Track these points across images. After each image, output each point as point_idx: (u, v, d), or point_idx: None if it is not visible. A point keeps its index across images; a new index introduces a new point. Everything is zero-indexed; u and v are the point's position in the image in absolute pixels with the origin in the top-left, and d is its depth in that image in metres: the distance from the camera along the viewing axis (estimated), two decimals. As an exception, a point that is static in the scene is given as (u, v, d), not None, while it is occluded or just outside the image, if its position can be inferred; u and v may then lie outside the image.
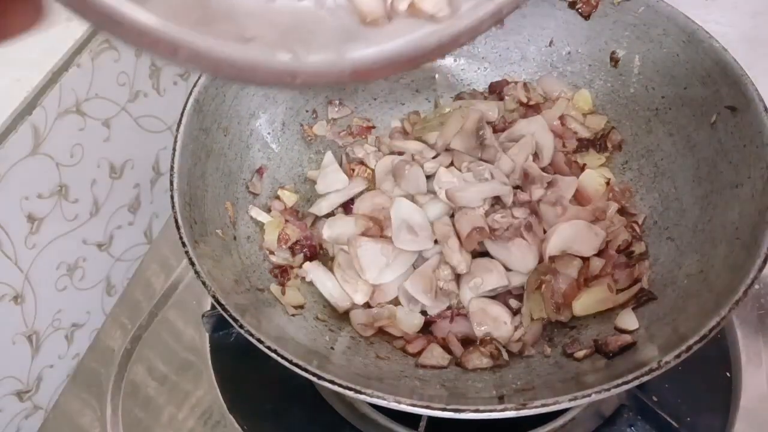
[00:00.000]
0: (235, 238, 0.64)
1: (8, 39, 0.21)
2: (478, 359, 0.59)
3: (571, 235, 0.63)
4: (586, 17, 0.73)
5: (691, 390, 0.66)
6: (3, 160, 0.60)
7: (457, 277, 0.63)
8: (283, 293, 0.62)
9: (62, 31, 0.66)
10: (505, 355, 0.59)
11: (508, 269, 0.63)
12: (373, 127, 0.79)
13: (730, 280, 0.51)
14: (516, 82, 0.78)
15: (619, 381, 0.46)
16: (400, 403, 0.46)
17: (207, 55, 0.21)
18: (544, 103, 0.76)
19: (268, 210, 0.69)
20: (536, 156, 0.70)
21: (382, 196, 0.69)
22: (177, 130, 0.60)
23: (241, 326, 0.50)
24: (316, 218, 0.71)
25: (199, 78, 0.63)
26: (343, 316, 0.64)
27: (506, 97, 0.77)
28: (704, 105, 0.64)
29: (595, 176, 0.70)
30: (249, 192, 0.69)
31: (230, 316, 0.50)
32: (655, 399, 0.63)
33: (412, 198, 0.67)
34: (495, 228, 0.63)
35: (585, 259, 0.64)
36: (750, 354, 0.69)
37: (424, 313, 0.64)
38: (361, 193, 0.71)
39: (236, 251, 0.63)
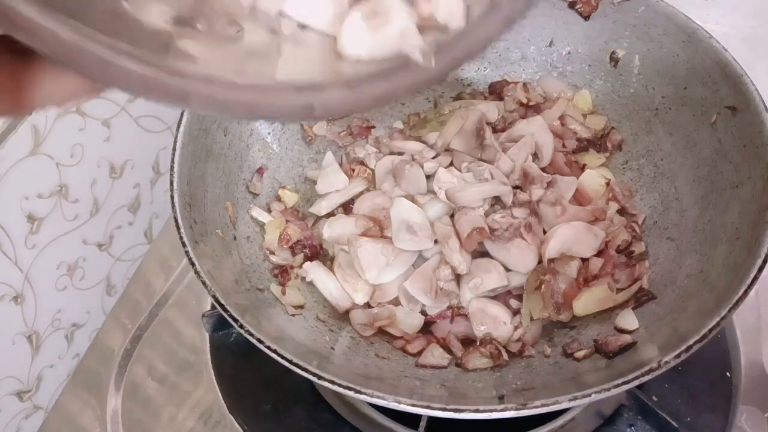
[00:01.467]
0: (235, 238, 0.64)
1: None
2: (478, 359, 0.59)
3: (571, 237, 0.63)
4: (586, 17, 0.73)
5: (691, 390, 0.66)
6: (3, 160, 0.60)
7: (457, 277, 0.63)
8: (284, 293, 0.62)
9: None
10: (505, 355, 0.59)
11: (507, 269, 0.63)
12: (373, 127, 0.79)
13: (730, 280, 0.51)
14: (516, 83, 0.78)
15: (619, 381, 0.46)
16: (400, 403, 0.46)
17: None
18: (544, 103, 0.76)
19: (269, 210, 0.69)
20: (536, 156, 0.70)
21: (382, 196, 0.69)
22: (177, 130, 0.60)
23: (241, 326, 0.50)
24: (317, 218, 0.71)
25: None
26: (344, 316, 0.64)
27: (506, 98, 0.77)
28: (704, 105, 0.64)
29: (595, 176, 0.70)
30: (249, 192, 0.69)
31: (230, 316, 0.50)
32: (655, 399, 0.63)
33: (412, 198, 0.67)
34: (495, 228, 0.63)
35: (585, 259, 0.63)
36: (750, 354, 0.69)
37: (424, 313, 0.64)
38: (361, 193, 0.71)
39: (236, 251, 0.63)
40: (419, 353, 0.61)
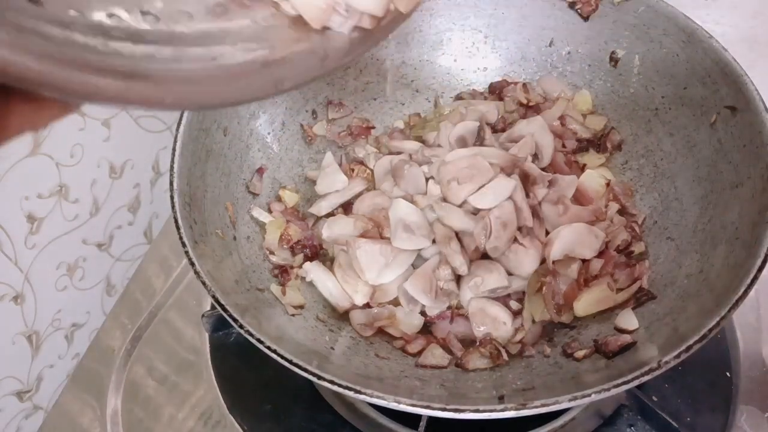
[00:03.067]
0: (235, 238, 0.64)
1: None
2: (478, 359, 0.59)
3: (573, 239, 0.62)
4: (586, 17, 0.73)
5: (691, 390, 0.66)
6: (3, 160, 0.60)
7: (458, 278, 0.63)
8: (284, 293, 0.62)
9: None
10: (505, 356, 0.59)
11: (509, 273, 0.63)
12: (373, 128, 0.79)
13: (730, 280, 0.51)
14: (516, 83, 0.78)
15: (619, 381, 0.46)
16: (400, 403, 0.46)
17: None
18: (544, 103, 0.76)
19: (269, 210, 0.69)
20: (536, 156, 0.70)
21: (382, 196, 0.69)
22: (177, 130, 0.60)
23: (241, 326, 0.50)
24: (317, 218, 0.71)
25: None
26: (343, 316, 0.64)
27: (506, 98, 0.77)
28: (704, 105, 0.64)
29: (595, 176, 0.70)
30: (249, 192, 0.69)
31: (230, 316, 0.50)
32: (655, 399, 0.63)
33: (411, 198, 0.67)
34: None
35: (584, 260, 0.63)
36: (750, 354, 0.69)
37: (423, 313, 0.64)
38: (361, 193, 0.71)
39: (236, 251, 0.63)
40: (419, 353, 0.61)
